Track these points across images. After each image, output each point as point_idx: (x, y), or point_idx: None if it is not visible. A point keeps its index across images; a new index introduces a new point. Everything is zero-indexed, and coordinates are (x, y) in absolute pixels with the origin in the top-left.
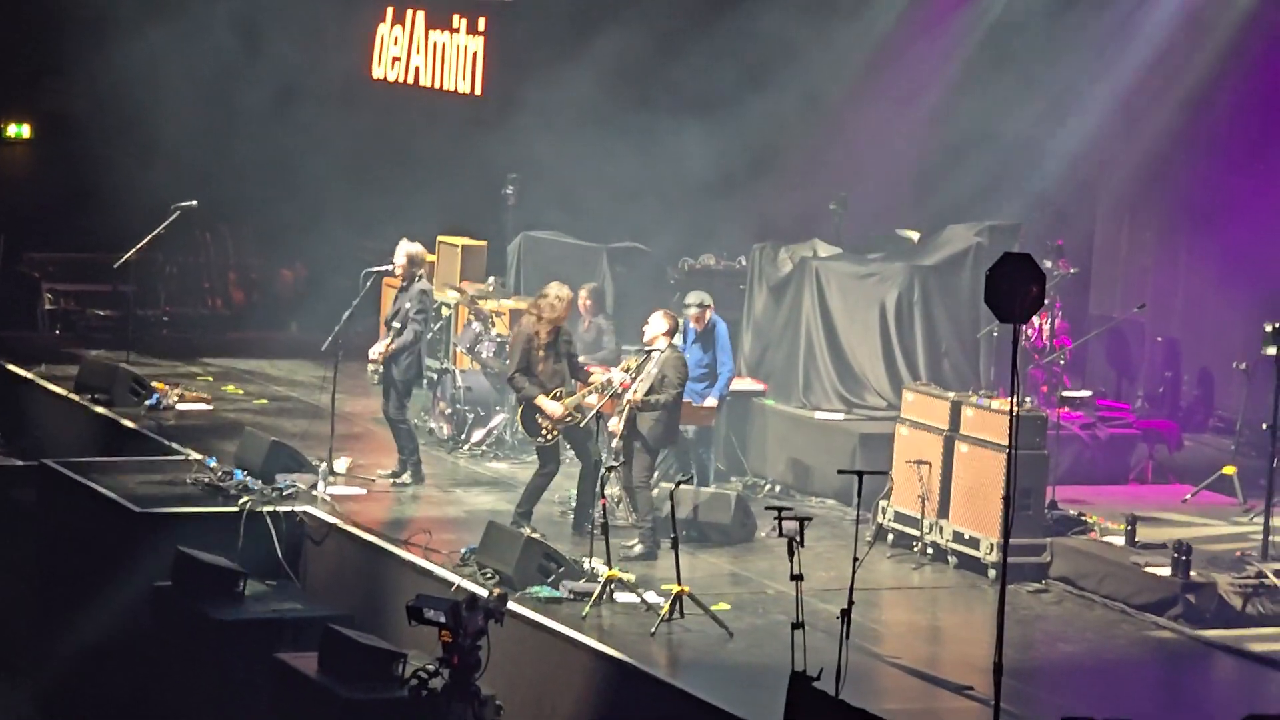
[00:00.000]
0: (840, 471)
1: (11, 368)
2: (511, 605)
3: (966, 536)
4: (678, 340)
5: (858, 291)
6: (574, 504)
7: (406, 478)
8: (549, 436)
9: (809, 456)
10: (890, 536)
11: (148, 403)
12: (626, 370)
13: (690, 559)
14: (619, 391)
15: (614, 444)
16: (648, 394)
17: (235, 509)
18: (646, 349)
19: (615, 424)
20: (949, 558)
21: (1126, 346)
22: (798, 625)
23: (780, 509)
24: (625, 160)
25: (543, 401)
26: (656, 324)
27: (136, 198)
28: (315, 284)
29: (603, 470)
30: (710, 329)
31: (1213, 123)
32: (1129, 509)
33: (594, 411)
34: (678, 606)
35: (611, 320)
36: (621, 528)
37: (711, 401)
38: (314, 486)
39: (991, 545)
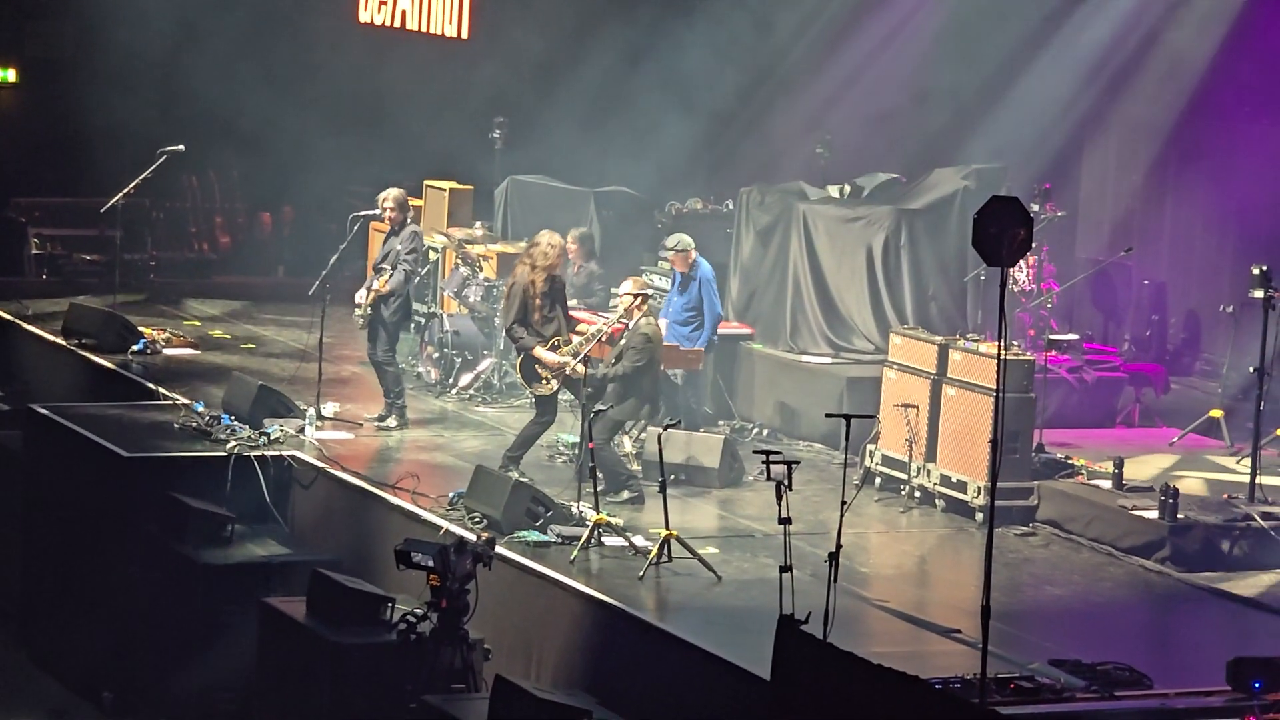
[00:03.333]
0: (828, 415)
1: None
2: (499, 549)
3: (954, 480)
4: (666, 283)
5: (845, 235)
6: (575, 448)
7: (391, 422)
8: (548, 386)
9: (796, 400)
10: (878, 480)
11: (135, 347)
12: (626, 316)
13: (678, 503)
14: (609, 337)
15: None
16: (616, 363)
17: (223, 453)
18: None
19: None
20: (936, 501)
21: (1113, 290)
22: (785, 569)
23: (768, 453)
24: (612, 104)
25: (540, 352)
26: (625, 288)
27: (123, 142)
28: (302, 228)
29: (590, 416)
30: (694, 272)
31: (1201, 65)
32: (1116, 452)
33: (582, 355)
34: (665, 550)
35: (600, 265)
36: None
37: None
38: (302, 431)
39: (979, 489)
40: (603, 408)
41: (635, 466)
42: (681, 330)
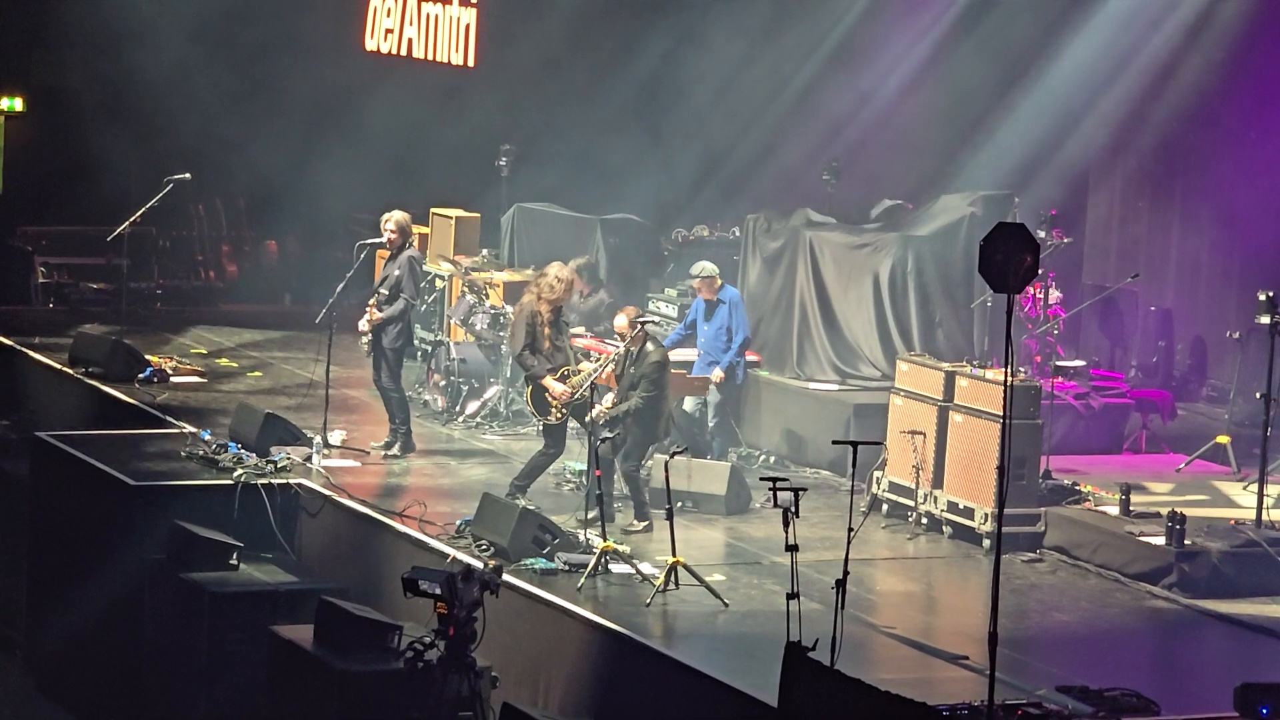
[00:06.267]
0: (835, 442)
1: (5, 340)
2: (507, 577)
3: (961, 506)
4: (671, 311)
5: (851, 262)
6: (583, 476)
7: (396, 449)
8: (558, 416)
9: (803, 427)
10: (885, 507)
11: (141, 376)
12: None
13: (685, 530)
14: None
15: (598, 418)
16: (627, 398)
17: (230, 482)
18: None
19: (607, 403)
20: (943, 528)
21: (1120, 316)
22: (793, 595)
23: (775, 479)
24: (618, 131)
25: (549, 383)
26: (623, 322)
27: (129, 171)
28: (309, 256)
29: (597, 443)
30: (721, 296)
31: (1206, 91)
32: (1123, 478)
33: (589, 382)
34: (673, 577)
35: (609, 294)
36: (617, 499)
37: (718, 374)
38: (308, 459)
39: (986, 515)
40: (609, 435)
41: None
42: (723, 357)
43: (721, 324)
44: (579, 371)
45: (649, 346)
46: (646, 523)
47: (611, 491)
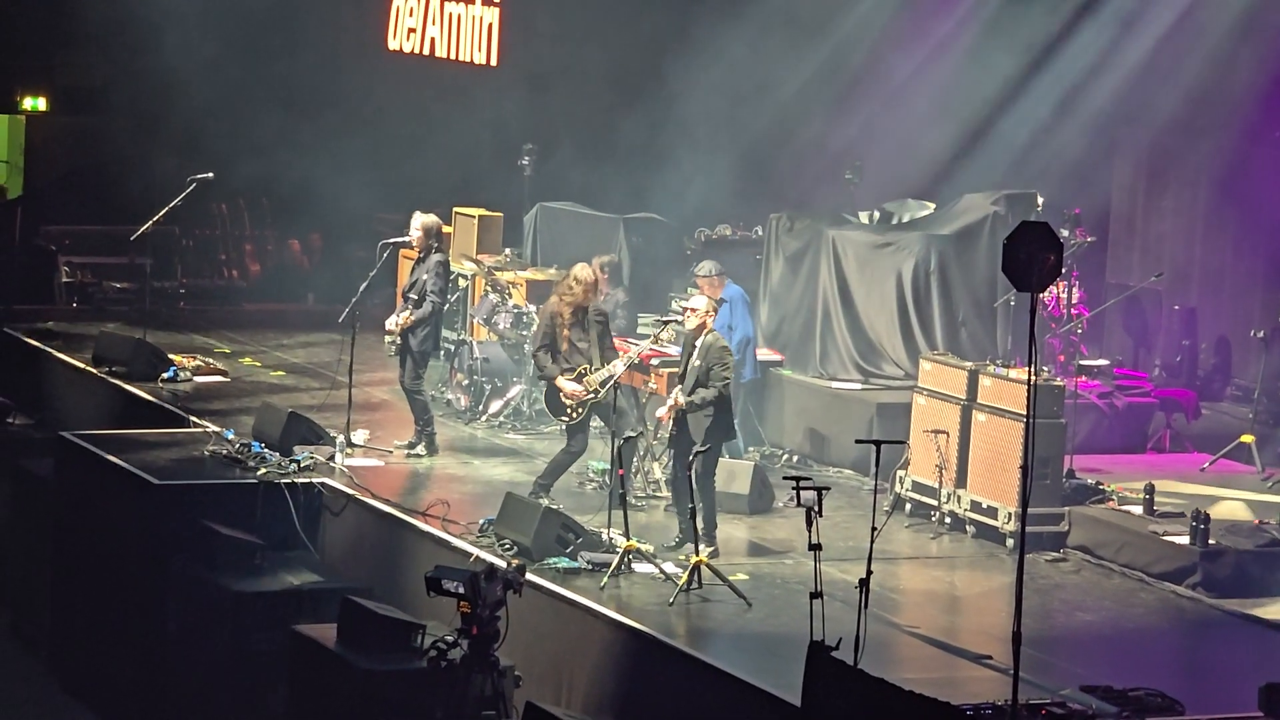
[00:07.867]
0: (858, 441)
1: (29, 340)
2: (530, 576)
3: (984, 506)
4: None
5: (875, 261)
6: (605, 475)
7: (421, 449)
8: (574, 415)
9: (826, 426)
10: (908, 506)
11: (165, 375)
12: (655, 342)
13: None
14: (638, 362)
15: (659, 434)
16: (692, 392)
17: (253, 481)
18: (673, 322)
19: (663, 413)
20: (967, 527)
21: (1144, 315)
22: (816, 595)
23: (798, 479)
24: (641, 130)
25: (562, 381)
26: (698, 304)
27: (152, 170)
28: (332, 255)
29: (620, 441)
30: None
31: (1231, 89)
32: (1147, 478)
33: (611, 382)
34: (696, 577)
35: (627, 293)
36: (640, 498)
37: None
38: (331, 458)
39: (1009, 514)
40: (632, 434)
41: (666, 493)
42: None
43: (725, 323)
44: (597, 371)
45: (709, 337)
46: (713, 548)
47: (704, 499)
